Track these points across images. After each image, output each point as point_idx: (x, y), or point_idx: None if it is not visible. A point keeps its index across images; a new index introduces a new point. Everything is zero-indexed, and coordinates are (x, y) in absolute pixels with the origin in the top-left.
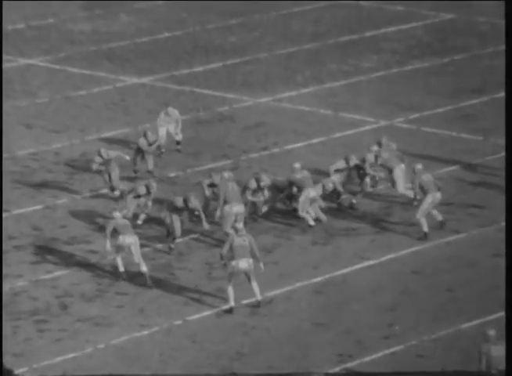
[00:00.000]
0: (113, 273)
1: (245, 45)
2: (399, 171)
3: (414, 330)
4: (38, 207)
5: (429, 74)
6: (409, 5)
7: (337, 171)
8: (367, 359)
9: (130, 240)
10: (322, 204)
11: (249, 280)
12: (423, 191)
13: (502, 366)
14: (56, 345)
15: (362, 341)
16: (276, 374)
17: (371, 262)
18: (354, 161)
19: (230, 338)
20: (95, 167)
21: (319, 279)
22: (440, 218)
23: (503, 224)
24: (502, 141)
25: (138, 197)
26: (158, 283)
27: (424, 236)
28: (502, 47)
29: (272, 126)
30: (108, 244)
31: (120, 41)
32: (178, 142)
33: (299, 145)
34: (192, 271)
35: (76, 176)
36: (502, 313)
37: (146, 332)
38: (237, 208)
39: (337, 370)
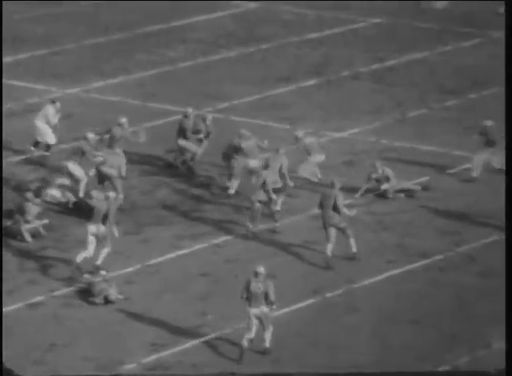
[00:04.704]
0: None
1: (53, 36)
2: None
3: (227, 318)
4: None
5: (236, 63)
6: None
7: None
8: (180, 348)
9: None
10: None
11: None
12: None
13: (259, 302)
14: None
15: (176, 330)
16: (277, 373)
17: (183, 252)
18: None
19: (43, 330)
20: None
21: (130, 269)
22: (319, 175)
23: (313, 212)
24: (310, 129)
25: None
26: None
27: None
28: (308, 36)
29: (82, 117)
30: None
31: None
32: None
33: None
34: (4, 262)
35: None
36: (315, 300)
37: None
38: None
39: (150, 359)
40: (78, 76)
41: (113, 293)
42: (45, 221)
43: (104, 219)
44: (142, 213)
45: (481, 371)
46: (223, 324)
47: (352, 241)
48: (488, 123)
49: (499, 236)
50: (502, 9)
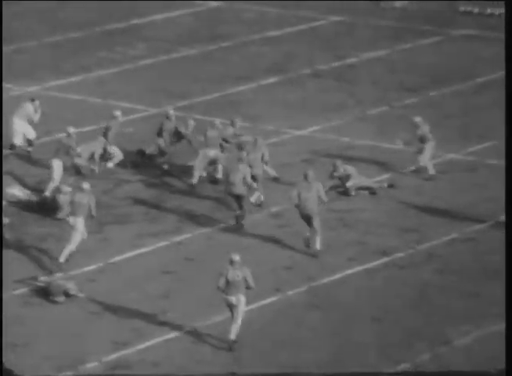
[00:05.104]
0: None
1: (12, 34)
2: None
3: (188, 316)
4: None
5: (197, 61)
6: None
7: None
8: (142, 346)
9: None
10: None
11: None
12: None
13: (238, 289)
14: None
15: (137, 328)
16: (274, 373)
17: (145, 250)
18: None
19: (4, 329)
20: None
21: (91, 267)
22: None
23: (275, 209)
24: (271, 127)
25: None
26: None
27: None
28: (269, 34)
29: (42, 115)
30: None
31: None
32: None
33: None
34: None
35: None
36: (276, 298)
37: None
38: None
39: (112, 357)
40: (38, 74)
41: (73, 287)
42: (6, 220)
43: (85, 212)
44: (103, 211)
45: (482, 371)
46: (185, 322)
47: (318, 239)
48: (417, 119)
49: (459, 234)
50: (462, 8)
